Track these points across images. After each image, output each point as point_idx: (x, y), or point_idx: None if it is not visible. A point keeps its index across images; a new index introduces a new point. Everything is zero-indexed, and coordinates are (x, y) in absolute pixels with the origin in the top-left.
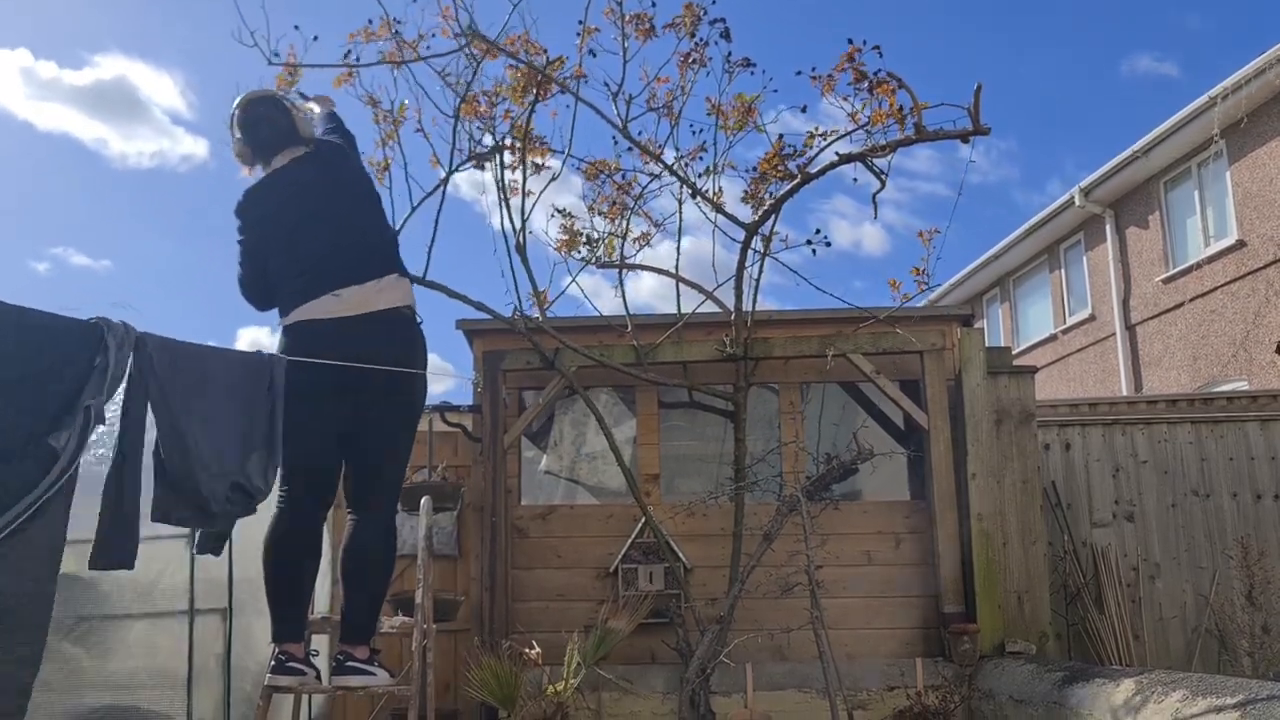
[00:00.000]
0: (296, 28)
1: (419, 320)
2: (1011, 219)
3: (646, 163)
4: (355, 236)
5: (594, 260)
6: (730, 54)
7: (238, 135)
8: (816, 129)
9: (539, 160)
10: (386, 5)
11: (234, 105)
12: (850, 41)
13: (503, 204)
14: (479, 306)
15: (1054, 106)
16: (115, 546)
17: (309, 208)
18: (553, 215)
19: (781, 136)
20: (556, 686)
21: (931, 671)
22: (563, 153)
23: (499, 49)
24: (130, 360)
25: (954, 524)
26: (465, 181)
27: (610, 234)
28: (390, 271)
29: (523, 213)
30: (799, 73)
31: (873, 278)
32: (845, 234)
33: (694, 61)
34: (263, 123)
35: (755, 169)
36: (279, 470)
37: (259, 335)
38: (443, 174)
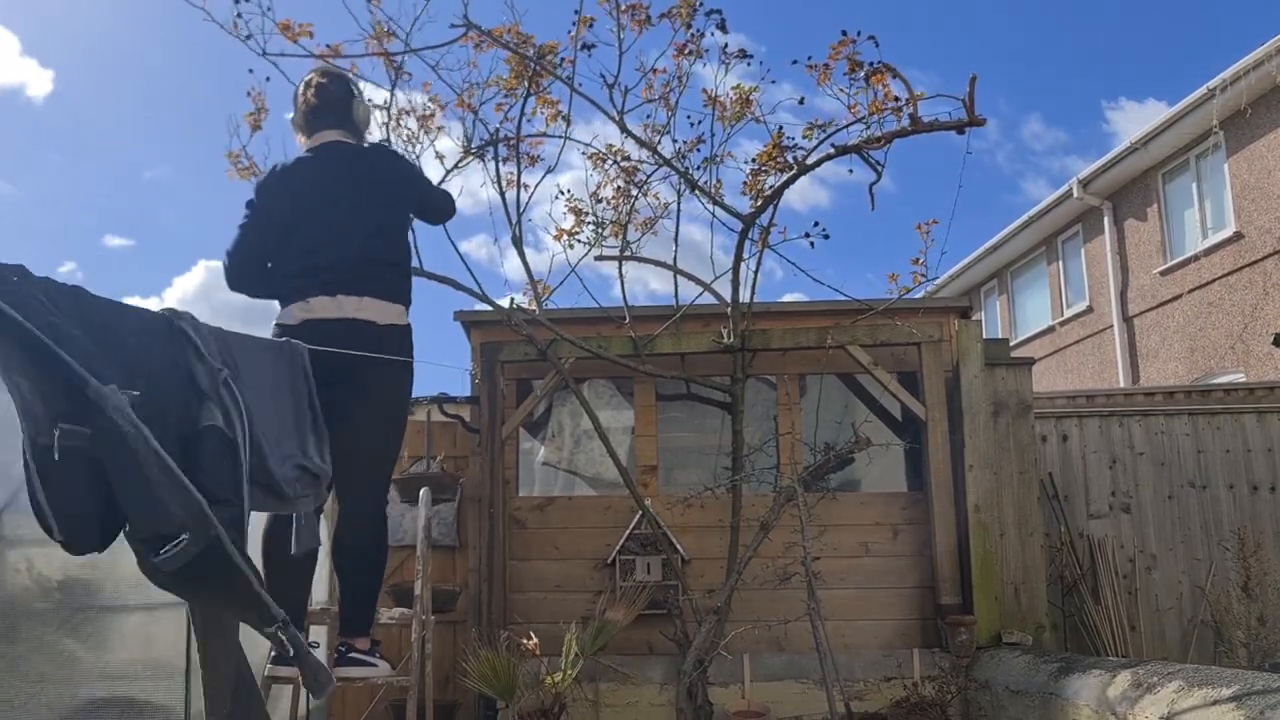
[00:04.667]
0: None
1: (409, 329)
2: (953, 163)
3: (639, 166)
4: (361, 247)
5: (598, 243)
6: (726, 45)
7: (302, 97)
8: (816, 120)
9: (534, 152)
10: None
11: (309, 72)
12: (844, 33)
13: (500, 195)
14: (482, 297)
15: (987, 46)
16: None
17: (322, 196)
18: (556, 197)
19: (781, 129)
20: (554, 677)
21: (928, 662)
22: (560, 138)
23: (495, 40)
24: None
25: (951, 515)
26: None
27: (614, 221)
28: (385, 298)
29: (518, 205)
30: (794, 62)
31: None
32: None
33: (690, 52)
34: (322, 90)
35: (754, 160)
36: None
37: (151, 306)
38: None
